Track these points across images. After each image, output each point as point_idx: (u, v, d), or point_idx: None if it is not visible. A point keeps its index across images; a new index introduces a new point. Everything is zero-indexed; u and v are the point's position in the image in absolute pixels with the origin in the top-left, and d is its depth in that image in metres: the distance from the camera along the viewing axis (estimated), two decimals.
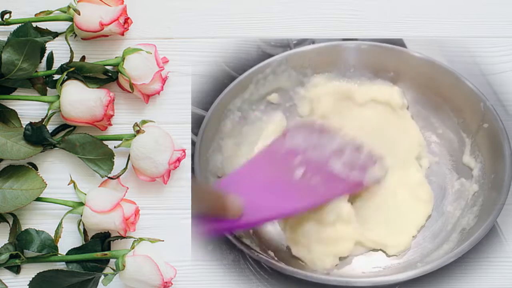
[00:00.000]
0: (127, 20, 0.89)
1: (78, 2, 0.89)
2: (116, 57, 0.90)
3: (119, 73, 0.89)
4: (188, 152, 0.90)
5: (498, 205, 0.88)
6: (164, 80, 0.90)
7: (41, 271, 0.85)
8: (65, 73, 0.88)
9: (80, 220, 0.87)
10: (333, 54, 0.95)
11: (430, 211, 0.92)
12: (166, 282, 0.85)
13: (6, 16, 0.89)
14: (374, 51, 0.94)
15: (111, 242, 0.89)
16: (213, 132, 0.93)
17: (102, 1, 0.89)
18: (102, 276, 0.87)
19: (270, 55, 0.94)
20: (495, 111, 0.90)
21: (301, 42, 0.94)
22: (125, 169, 0.89)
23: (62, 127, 0.90)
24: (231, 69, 0.93)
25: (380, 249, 0.91)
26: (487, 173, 0.91)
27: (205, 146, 0.92)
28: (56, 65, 0.90)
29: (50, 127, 0.90)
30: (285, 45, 0.94)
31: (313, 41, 0.94)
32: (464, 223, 0.91)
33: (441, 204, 0.93)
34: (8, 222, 0.89)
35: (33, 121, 0.88)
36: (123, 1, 0.90)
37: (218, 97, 0.93)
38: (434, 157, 0.95)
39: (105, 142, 0.89)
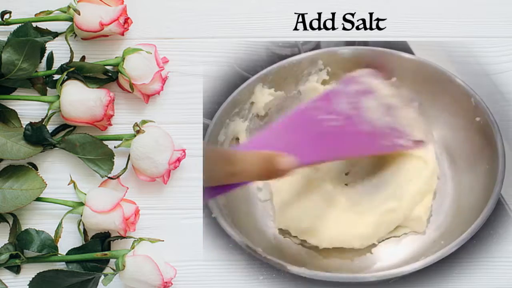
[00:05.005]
0: (127, 20, 0.89)
1: (78, 2, 0.89)
2: (116, 57, 0.90)
3: (119, 73, 0.89)
4: (196, 152, 0.91)
5: (493, 196, 0.88)
6: (164, 80, 0.90)
7: (41, 271, 0.85)
8: (65, 73, 0.88)
9: (80, 220, 0.87)
10: (331, 60, 0.95)
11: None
12: (166, 282, 0.85)
13: (6, 16, 0.89)
14: (370, 56, 0.94)
15: (111, 242, 0.89)
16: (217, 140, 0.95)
17: (102, 1, 0.89)
18: (102, 276, 0.87)
19: (279, 55, 0.94)
20: (486, 106, 0.92)
21: (308, 42, 0.94)
22: (125, 169, 0.89)
23: (62, 127, 0.90)
24: (243, 69, 0.94)
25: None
26: (481, 165, 0.92)
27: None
28: (56, 65, 0.90)
29: (50, 127, 0.90)
30: (293, 45, 0.94)
31: (318, 42, 0.94)
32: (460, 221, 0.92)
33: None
34: (8, 222, 0.89)
35: (33, 121, 0.88)
36: (123, 1, 0.90)
37: (221, 106, 0.93)
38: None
39: (105, 142, 0.89)
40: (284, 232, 0.93)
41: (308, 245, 0.92)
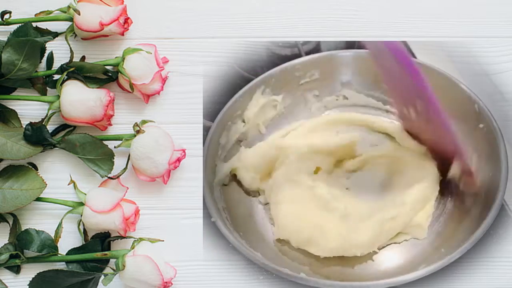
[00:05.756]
0: (127, 20, 0.89)
1: (78, 2, 0.89)
2: (116, 57, 0.90)
3: (119, 73, 0.89)
4: (196, 152, 0.91)
5: (496, 203, 0.88)
6: (164, 80, 0.90)
7: (41, 271, 0.85)
8: (65, 73, 0.88)
9: (80, 220, 0.87)
10: (331, 63, 0.95)
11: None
12: (166, 282, 0.85)
13: (6, 16, 0.89)
14: (371, 60, 0.94)
15: (111, 242, 0.89)
16: (218, 141, 0.94)
17: (102, 1, 0.89)
18: (102, 276, 0.87)
19: (279, 55, 0.94)
20: (489, 112, 0.92)
21: (308, 42, 0.94)
22: (125, 169, 0.89)
23: (62, 127, 0.90)
24: (243, 69, 0.93)
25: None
26: (483, 172, 0.92)
27: (211, 156, 0.93)
28: (56, 65, 0.90)
29: (50, 127, 0.90)
30: (293, 45, 0.94)
31: (318, 42, 0.94)
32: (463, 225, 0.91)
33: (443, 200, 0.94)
34: (8, 222, 0.89)
35: (33, 121, 0.88)
36: (123, 1, 0.90)
37: (222, 109, 0.93)
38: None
39: (105, 142, 0.89)
40: (283, 241, 0.93)
41: (308, 252, 0.92)
